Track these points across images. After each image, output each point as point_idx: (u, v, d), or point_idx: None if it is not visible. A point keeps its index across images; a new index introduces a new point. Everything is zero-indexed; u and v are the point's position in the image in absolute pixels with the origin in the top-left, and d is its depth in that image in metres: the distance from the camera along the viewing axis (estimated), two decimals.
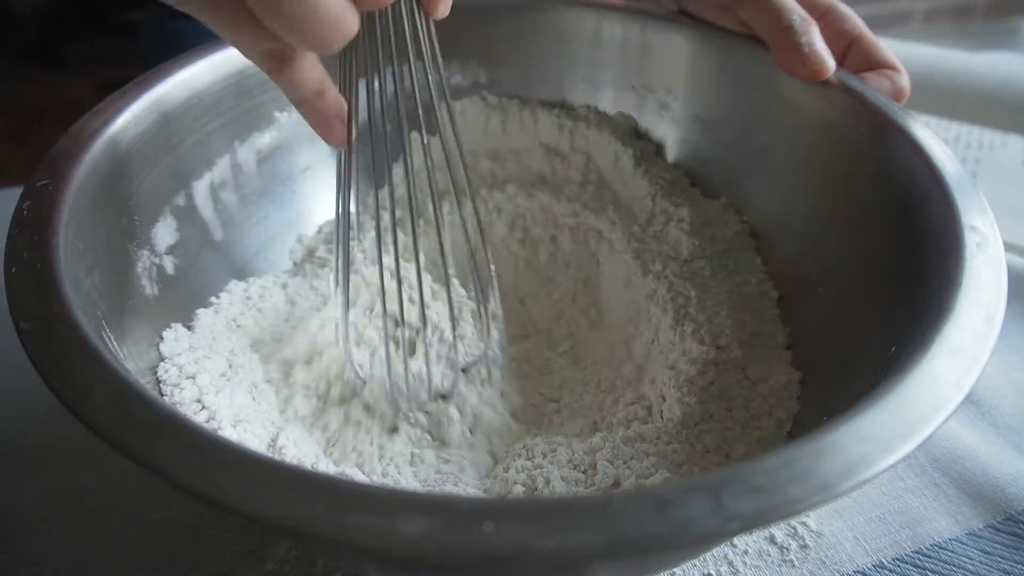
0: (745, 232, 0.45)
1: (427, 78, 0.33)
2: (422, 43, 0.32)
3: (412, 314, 0.38)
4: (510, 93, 0.51)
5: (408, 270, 0.37)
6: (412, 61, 0.32)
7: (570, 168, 0.50)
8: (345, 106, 0.32)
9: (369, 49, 0.31)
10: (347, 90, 0.32)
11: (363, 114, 0.33)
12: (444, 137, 0.35)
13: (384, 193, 0.36)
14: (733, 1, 0.43)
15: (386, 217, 0.40)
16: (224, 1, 0.26)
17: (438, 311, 0.39)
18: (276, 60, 0.29)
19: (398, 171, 0.38)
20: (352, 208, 0.36)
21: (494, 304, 0.39)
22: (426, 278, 0.39)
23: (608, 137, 0.49)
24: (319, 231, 0.48)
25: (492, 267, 0.39)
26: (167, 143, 0.39)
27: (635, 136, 0.51)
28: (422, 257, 0.36)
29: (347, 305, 0.36)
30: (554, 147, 0.51)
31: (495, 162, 0.51)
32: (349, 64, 0.32)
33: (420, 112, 0.33)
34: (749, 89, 0.44)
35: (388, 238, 0.36)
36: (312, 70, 0.31)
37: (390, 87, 0.32)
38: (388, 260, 0.36)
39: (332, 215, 0.48)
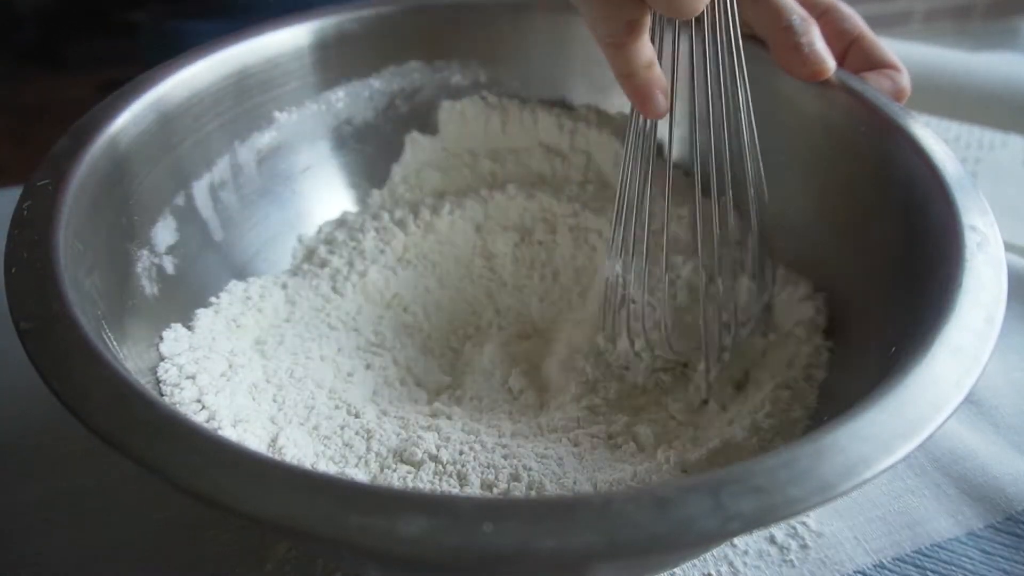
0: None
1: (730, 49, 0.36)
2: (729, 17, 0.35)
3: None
4: (510, 93, 0.51)
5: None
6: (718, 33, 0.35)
7: (570, 168, 0.50)
8: (666, 80, 0.35)
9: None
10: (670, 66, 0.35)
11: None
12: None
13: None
14: None
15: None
16: None
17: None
18: (627, 31, 0.32)
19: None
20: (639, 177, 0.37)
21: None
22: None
23: (608, 137, 0.49)
24: (319, 231, 0.48)
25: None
26: (167, 143, 0.39)
27: None
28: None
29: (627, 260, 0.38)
30: (554, 147, 0.51)
31: (495, 162, 0.51)
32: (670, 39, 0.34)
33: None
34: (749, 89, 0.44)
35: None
36: (648, 43, 0.33)
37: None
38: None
39: (332, 215, 0.49)
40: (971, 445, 0.40)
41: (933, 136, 0.35)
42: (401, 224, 0.47)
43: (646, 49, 0.33)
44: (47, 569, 0.34)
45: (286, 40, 0.45)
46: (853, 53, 0.42)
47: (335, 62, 0.47)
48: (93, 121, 0.36)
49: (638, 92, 0.34)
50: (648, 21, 0.32)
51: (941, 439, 0.40)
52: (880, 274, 0.35)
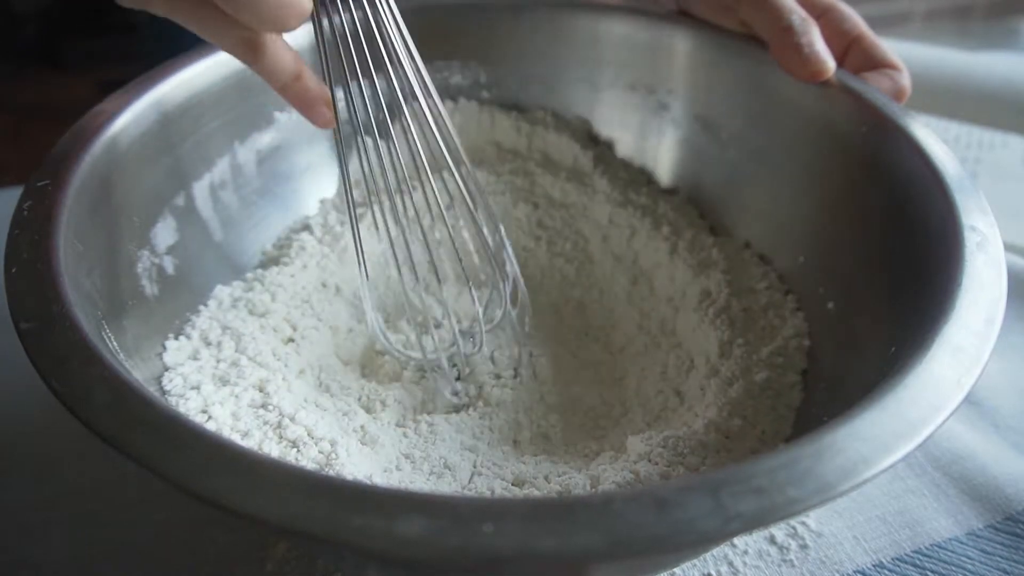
0: (704, 227, 0.46)
1: (403, 69, 0.35)
2: (390, 32, 0.34)
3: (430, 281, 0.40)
4: (509, 93, 0.51)
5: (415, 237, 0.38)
6: (385, 53, 0.34)
7: (528, 163, 0.50)
8: (327, 90, 0.35)
9: (338, 41, 0.33)
10: (327, 79, 0.35)
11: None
12: (431, 118, 0.36)
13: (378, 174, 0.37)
14: (733, 1, 0.43)
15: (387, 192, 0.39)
16: None
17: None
18: (248, 48, 0.32)
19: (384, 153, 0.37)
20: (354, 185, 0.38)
21: (510, 266, 0.40)
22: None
23: (567, 140, 0.50)
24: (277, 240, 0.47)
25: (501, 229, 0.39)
26: (167, 143, 0.39)
27: (591, 139, 0.51)
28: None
29: (366, 275, 0.38)
30: (511, 148, 0.51)
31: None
32: (323, 54, 0.34)
33: (400, 98, 0.35)
34: (749, 89, 0.44)
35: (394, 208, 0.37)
36: (285, 56, 0.33)
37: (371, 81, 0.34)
38: (395, 232, 0.37)
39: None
40: (971, 445, 0.40)
41: (933, 136, 0.35)
42: (343, 226, 0.46)
43: (284, 59, 0.33)
44: (47, 569, 0.34)
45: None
46: (853, 53, 0.42)
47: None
48: (93, 121, 0.36)
49: (297, 105, 0.34)
50: (266, 37, 0.32)
51: (941, 439, 0.40)
52: (880, 274, 0.35)
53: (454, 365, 0.41)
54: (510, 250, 0.39)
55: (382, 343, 0.40)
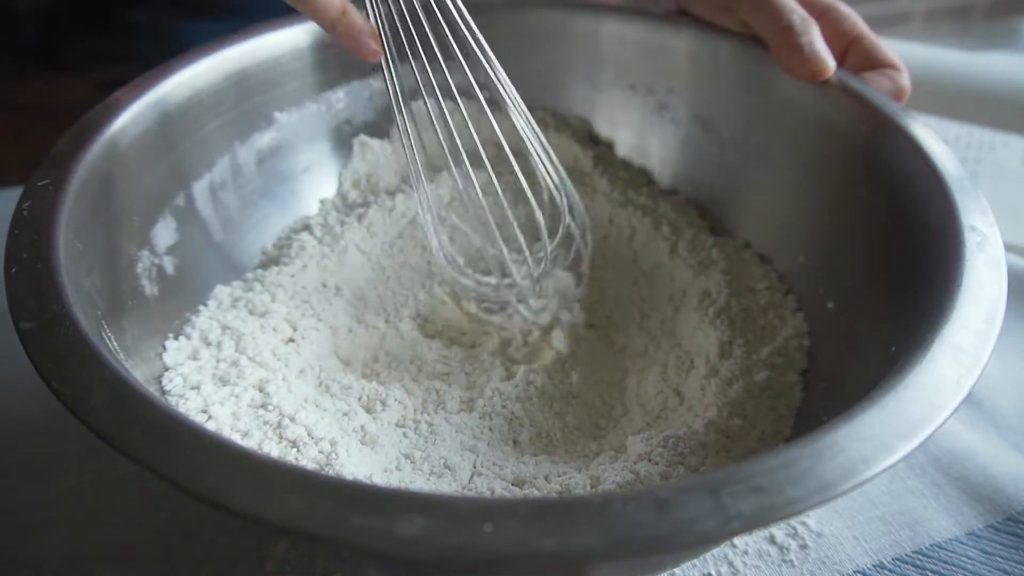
0: (704, 227, 0.46)
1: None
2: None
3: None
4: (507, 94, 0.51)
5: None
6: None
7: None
8: (372, 24, 0.36)
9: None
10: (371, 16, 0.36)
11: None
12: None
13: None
14: (733, 1, 0.43)
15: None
16: None
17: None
18: None
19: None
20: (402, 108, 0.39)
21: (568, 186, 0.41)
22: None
23: (567, 140, 0.50)
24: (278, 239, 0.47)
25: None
26: (167, 143, 0.39)
27: (591, 139, 0.51)
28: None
29: (429, 206, 0.39)
30: (511, 148, 0.51)
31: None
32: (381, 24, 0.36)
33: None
34: (749, 89, 0.44)
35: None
36: None
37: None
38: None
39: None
40: (971, 445, 0.40)
41: (933, 136, 0.35)
42: (343, 226, 0.46)
43: (332, 1, 0.34)
44: (47, 569, 0.34)
45: (286, 40, 0.45)
46: (853, 53, 0.42)
47: (335, 62, 0.47)
48: (93, 121, 0.36)
49: (344, 41, 0.36)
50: None
51: (941, 439, 0.40)
52: (880, 274, 0.35)
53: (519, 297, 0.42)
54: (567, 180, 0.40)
55: (453, 274, 0.41)
